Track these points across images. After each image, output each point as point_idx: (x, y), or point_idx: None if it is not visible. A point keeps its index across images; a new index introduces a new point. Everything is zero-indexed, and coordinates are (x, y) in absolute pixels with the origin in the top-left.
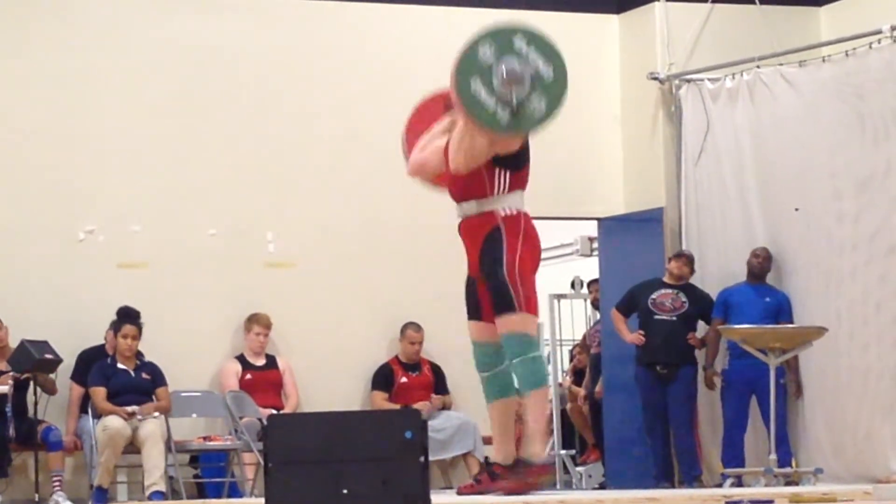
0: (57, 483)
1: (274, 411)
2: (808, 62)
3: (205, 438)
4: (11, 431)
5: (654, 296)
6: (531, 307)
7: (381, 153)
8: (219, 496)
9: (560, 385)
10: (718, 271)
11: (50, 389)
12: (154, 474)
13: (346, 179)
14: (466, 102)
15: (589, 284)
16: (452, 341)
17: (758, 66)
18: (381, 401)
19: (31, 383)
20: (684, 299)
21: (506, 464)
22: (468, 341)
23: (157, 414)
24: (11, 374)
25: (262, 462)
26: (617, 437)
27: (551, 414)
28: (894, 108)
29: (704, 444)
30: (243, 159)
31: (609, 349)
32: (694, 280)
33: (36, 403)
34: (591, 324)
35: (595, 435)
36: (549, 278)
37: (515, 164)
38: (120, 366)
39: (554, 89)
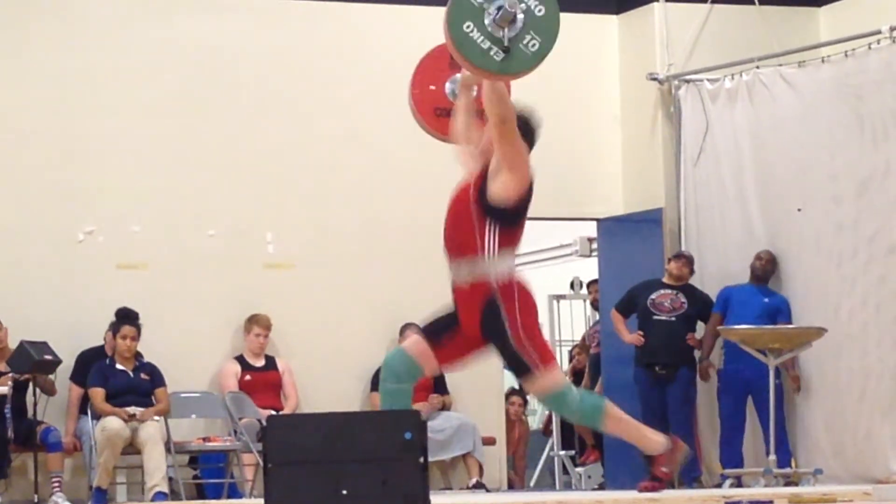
0: (56, 484)
1: (273, 412)
2: (807, 63)
3: (204, 439)
4: (11, 433)
5: (653, 296)
6: (547, 360)
7: (381, 154)
8: (218, 497)
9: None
10: (718, 272)
11: (49, 390)
12: (156, 476)
13: (346, 180)
14: (460, 45)
15: (588, 285)
16: None
17: (757, 67)
18: None
19: (31, 384)
20: (683, 300)
21: None
22: None
23: (157, 418)
24: (11, 374)
25: (261, 463)
26: (616, 438)
27: (550, 415)
28: (893, 108)
29: (704, 445)
30: (243, 160)
31: (608, 350)
32: (693, 281)
33: (35, 404)
34: (591, 324)
35: (594, 436)
36: (549, 279)
37: (512, 219)
38: (119, 367)
39: (547, 25)
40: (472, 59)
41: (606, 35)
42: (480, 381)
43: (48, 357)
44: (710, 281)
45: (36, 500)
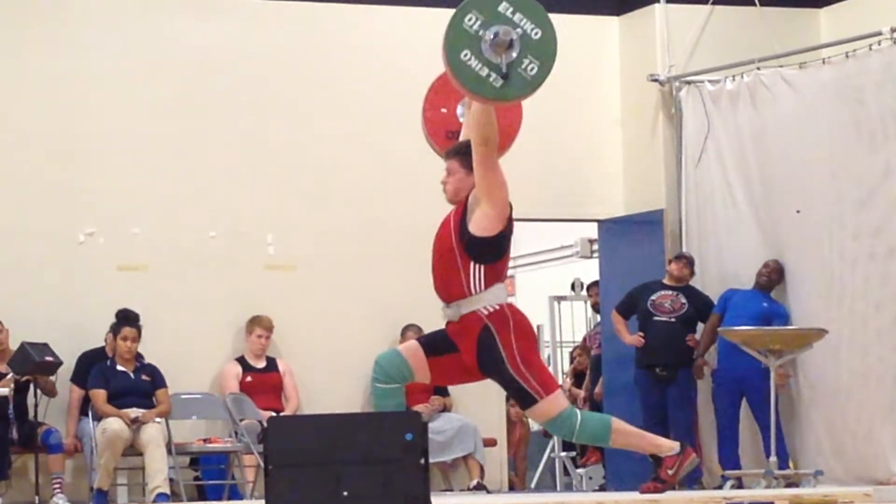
0: (57, 485)
1: (274, 413)
2: (808, 64)
3: (205, 440)
4: (14, 432)
5: (653, 297)
6: (549, 387)
7: (382, 155)
8: (219, 498)
9: (560, 388)
10: (718, 273)
11: (50, 392)
12: (157, 477)
13: (347, 181)
14: (458, 73)
15: (588, 287)
16: None
17: (758, 68)
18: None
19: (32, 386)
20: (684, 301)
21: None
22: None
23: (158, 419)
24: (12, 376)
25: (262, 464)
26: None
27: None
28: (894, 109)
29: (704, 446)
30: (243, 161)
31: (609, 351)
32: (694, 282)
33: (36, 406)
34: (592, 326)
35: None
36: (550, 280)
37: (493, 256)
38: (120, 368)
39: (544, 47)
40: (470, 87)
41: (607, 36)
42: (481, 383)
43: (49, 358)
44: (710, 282)
45: (37, 502)
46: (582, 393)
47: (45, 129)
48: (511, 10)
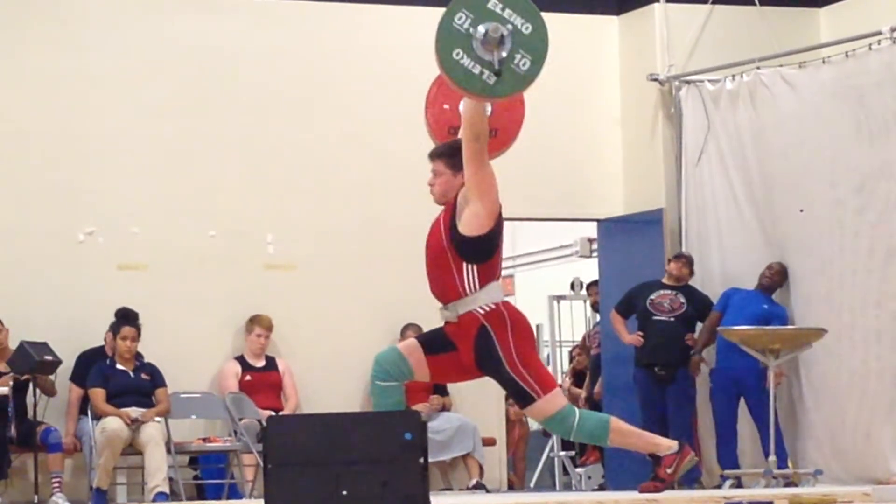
0: (56, 484)
1: (273, 413)
2: (807, 63)
3: (204, 440)
4: (13, 431)
5: (652, 297)
6: (547, 385)
7: (382, 154)
8: (218, 497)
9: (560, 386)
10: (718, 273)
11: (49, 391)
12: (157, 476)
13: (346, 180)
14: (451, 72)
15: (588, 287)
16: None
17: (758, 68)
18: None
19: (31, 385)
20: (683, 300)
21: None
22: None
23: (157, 419)
24: (11, 375)
25: (261, 463)
26: None
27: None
28: (894, 109)
29: (703, 446)
30: (243, 160)
31: (608, 350)
32: (693, 281)
33: (35, 405)
34: (591, 325)
35: None
36: (549, 279)
37: (485, 255)
38: (119, 367)
39: (535, 42)
40: (464, 86)
41: (607, 36)
42: (480, 382)
43: (48, 358)
44: (709, 282)
45: (36, 501)
46: (582, 393)
47: (45, 129)
48: (500, 6)
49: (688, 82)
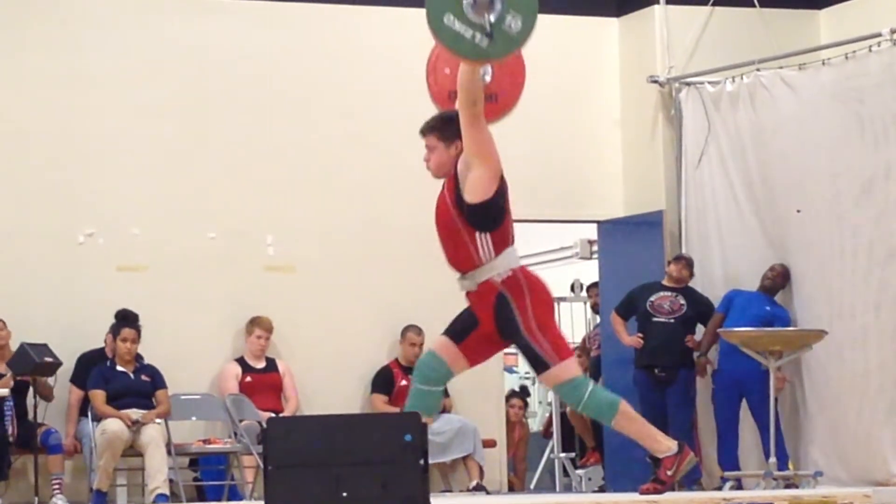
0: (56, 486)
1: (273, 414)
2: (807, 65)
3: (204, 441)
4: (13, 430)
5: (652, 298)
6: (563, 353)
7: (382, 155)
8: (218, 499)
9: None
10: (719, 274)
11: (47, 396)
12: (157, 478)
13: (347, 181)
14: (443, 38)
15: (588, 288)
16: None
17: (757, 70)
18: (381, 404)
19: (31, 386)
20: (683, 302)
21: None
22: None
23: (158, 420)
24: (11, 375)
25: (261, 465)
26: (617, 440)
27: (550, 417)
28: (894, 110)
29: (704, 447)
30: (243, 161)
31: (609, 352)
32: (693, 283)
33: (35, 406)
34: (591, 327)
35: (595, 438)
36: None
37: (495, 221)
38: (119, 368)
39: (524, 2)
40: (457, 50)
41: (607, 37)
42: (481, 384)
43: (48, 359)
44: (710, 283)
45: (36, 502)
46: None
47: (45, 129)
48: None
49: (688, 84)
